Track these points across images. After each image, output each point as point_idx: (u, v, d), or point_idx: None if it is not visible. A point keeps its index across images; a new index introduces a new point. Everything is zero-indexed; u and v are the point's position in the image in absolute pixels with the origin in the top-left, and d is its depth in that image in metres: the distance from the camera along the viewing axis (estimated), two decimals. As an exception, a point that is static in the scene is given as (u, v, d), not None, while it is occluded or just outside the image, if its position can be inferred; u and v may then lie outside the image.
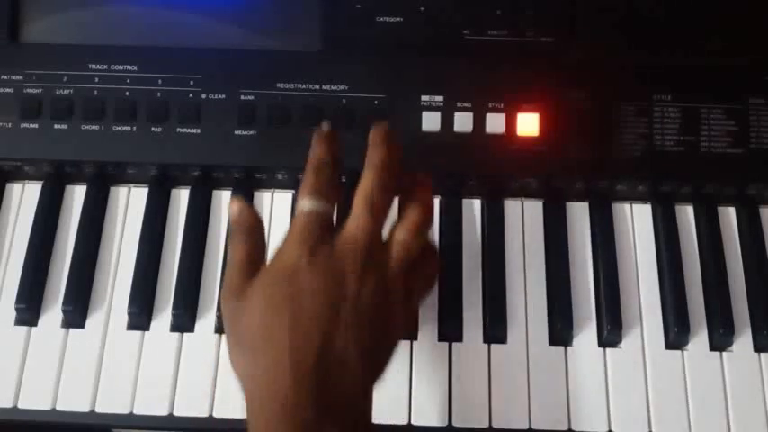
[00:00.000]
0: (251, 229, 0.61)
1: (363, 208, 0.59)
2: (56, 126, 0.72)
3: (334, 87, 0.73)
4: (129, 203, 0.74)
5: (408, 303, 0.61)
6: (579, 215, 0.74)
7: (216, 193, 0.74)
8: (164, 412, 0.67)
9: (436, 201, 0.74)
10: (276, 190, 0.75)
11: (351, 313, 0.56)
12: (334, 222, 0.61)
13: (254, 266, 0.59)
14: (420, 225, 0.61)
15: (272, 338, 0.55)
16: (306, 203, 0.59)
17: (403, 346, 0.69)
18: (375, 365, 0.59)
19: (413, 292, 0.61)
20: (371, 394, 0.58)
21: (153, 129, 0.72)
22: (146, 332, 0.69)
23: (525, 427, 0.67)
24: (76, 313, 0.69)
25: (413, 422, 0.66)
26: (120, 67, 0.74)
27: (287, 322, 0.55)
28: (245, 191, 0.74)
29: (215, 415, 0.66)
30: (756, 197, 0.74)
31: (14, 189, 0.74)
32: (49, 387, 0.67)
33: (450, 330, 0.69)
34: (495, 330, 0.69)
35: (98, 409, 0.67)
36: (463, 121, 0.72)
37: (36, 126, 0.72)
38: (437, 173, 0.73)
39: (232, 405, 0.66)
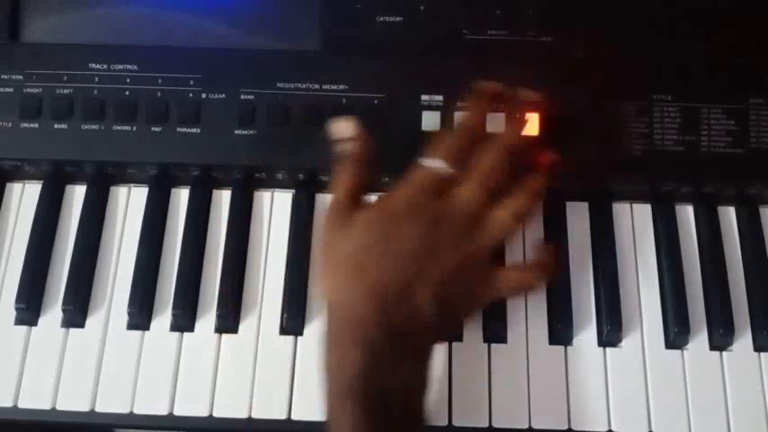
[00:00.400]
0: (364, 157, 0.65)
1: (480, 180, 0.63)
2: (56, 126, 0.72)
3: (334, 87, 0.73)
4: (129, 203, 0.74)
5: (486, 288, 0.64)
6: (579, 215, 0.74)
7: (216, 192, 0.74)
8: (164, 412, 0.67)
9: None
10: (276, 190, 0.75)
11: (437, 274, 0.60)
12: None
13: (359, 195, 0.64)
14: (525, 212, 0.65)
15: (365, 270, 0.60)
16: (434, 161, 0.63)
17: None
18: (440, 331, 0.63)
19: (495, 278, 0.64)
20: (430, 362, 0.61)
21: (153, 128, 0.72)
22: (146, 332, 0.69)
23: (525, 426, 0.67)
24: (76, 313, 0.69)
25: (413, 422, 0.66)
26: (120, 67, 0.73)
27: (382, 260, 0.60)
28: (245, 191, 0.74)
29: (215, 414, 0.66)
30: (756, 197, 0.74)
31: (14, 189, 0.74)
32: (50, 387, 0.67)
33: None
34: (495, 330, 0.69)
35: (98, 409, 0.67)
36: (463, 121, 0.72)
37: (36, 126, 0.72)
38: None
39: (232, 405, 0.66)
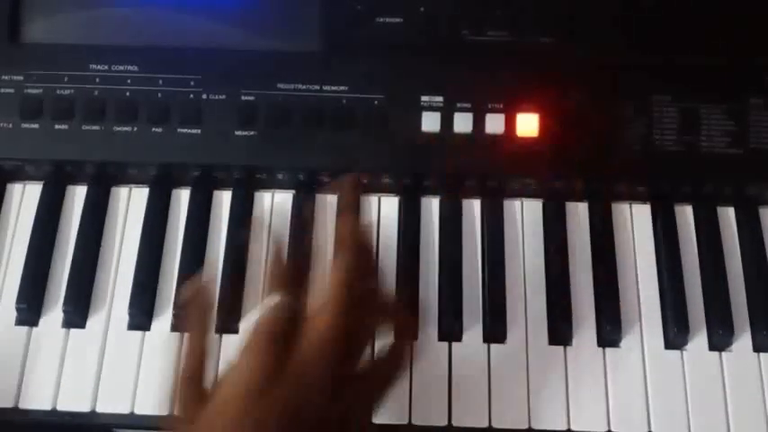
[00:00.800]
0: (204, 318, 0.55)
1: (335, 290, 0.53)
2: (56, 126, 0.72)
3: (334, 87, 0.73)
4: (130, 203, 0.74)
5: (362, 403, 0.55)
6: (579, 215, 0.74)
7: (216, 193, 0.74)
8: (164, 412, 0.67)
9: (436, 201, 0.74)
10: (276, 190, 0.75)
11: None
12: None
13: (201, 377, 0.53)
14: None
15: None
16: (270, 298, 0.54)
17: (403, 345, 0.69)
18: None
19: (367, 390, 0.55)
20: None
21: (153, 129, 0.72)
22: (146, 332, 0.69)
23: (525, 427, 0.67)
24: (77, 313, 0.69)
25: (413, 422, 0.67)
26: (121, 68, 0.74)
27: None
28: (246, 191, 0.74)
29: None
30: (756, 197, 0.74)
31: (15, 189, 0.74)
32: (50, 387, 0.67)
33: (450, 330, 0.69)
34: (495, 330, 0.69)
35: (99, 409, 0.67)
36: (463, 122, 0.72)
37: (36, 126, 0.72)
38: (437, 173, 0.73)
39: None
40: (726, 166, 0.72)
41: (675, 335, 0.69)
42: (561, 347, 0.69)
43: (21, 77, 0.73)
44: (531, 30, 0.74)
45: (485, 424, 0.67)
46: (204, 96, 0.73)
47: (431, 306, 0.70)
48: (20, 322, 0.70)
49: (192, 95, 0.73)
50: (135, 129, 0.72)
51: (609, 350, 0.69)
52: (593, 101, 0.73)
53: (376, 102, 0.73)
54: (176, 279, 0.71)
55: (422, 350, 0.69)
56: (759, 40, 0.75)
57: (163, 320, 0.70)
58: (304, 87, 0.73)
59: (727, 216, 0.74)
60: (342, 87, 0.73)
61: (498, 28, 0.74)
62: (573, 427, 0.67)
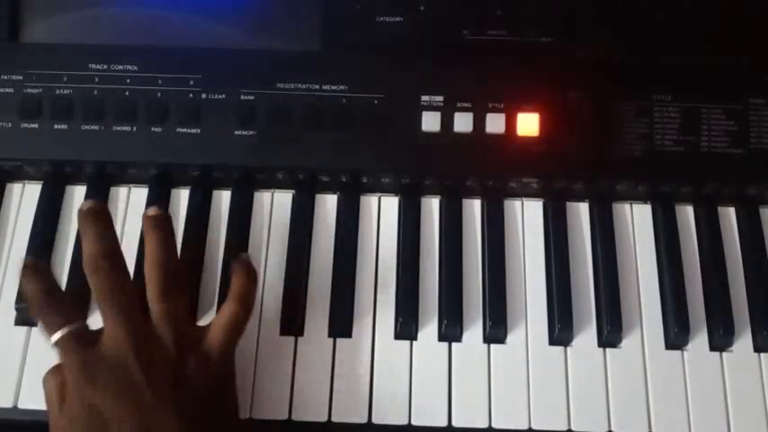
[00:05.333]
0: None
1: (104, 305, 0.60)
2: (56, 126, 0.72)
3: (334, 87, 0.73)
4: (130, 203, 0.74)
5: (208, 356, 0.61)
6: (579, 215, 0.74)
7: (216, 193, 0.74)
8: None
9: (436, 201, 0.74)
10: (276, 190, 0.75)
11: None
12: None
13: None
14: (227, 328, 0.62)
15: None
16: (53, 336, 0.59)
17: (403, 346, 0.69)
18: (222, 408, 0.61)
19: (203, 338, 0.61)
20: None
21: (153, 129, 0.72)
22: (146, 332, 0.69)
23: (525, 427, 0.67)
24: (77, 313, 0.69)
25: (413, 422, 0.67)
26: (120, 67, 0.73)
27: None
28: (245, 190, 0.74)
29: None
30: (756, 197, 0.74)
31: (14, 189, 0.74)
32: (50, 387, 0.67)
33: (451, 330, 0.69)
34: (495, 330, 0.69)
35: (98, 409, 0.67)
36: (463, 121, 0.72)
37: (36, 126, 0.72)
38: (437, 173, 0.73)
39: (232, 405, 0.66)
40: (726, 166, 0.72)
41: (676, 335, 0.69)
42: (561, 347, 0.69)
43: (20, 77, 0.73)
44: (531, 30, 0.74)
45: (485, 424, 0.67)
46: (204, 96, 0.73)
47: (431, 306, 0.70)
48: (19, 322, 0.69)
49: (191, 95, 0.73)
50: (134, 128, 0.72)
51: (609, 350, 0.69)
52: (593, 101, 0.73)
53: (376, 102, 0.73)
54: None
55: (422, 350, 0.69)
56: (759, 40, 0.75)
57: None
58: (304, 87, 0.73)
59: (728, 216, 0.74)
60: (342, 87, 0.73)
61: (498, 28, 0.74)
62: (573, 428, 0.66)
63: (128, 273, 0.62)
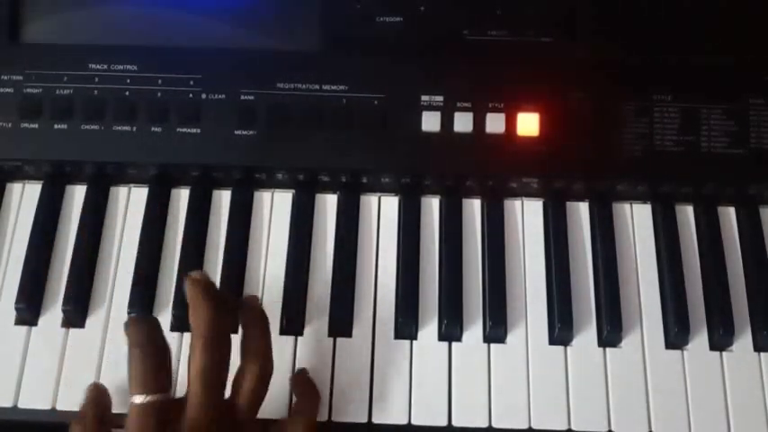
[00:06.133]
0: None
1: (199, 384, 0.57)
2: (56, 126, 0.72)
3: (334, 87, 0.73)
4: (129, 203, 0.74)
5: None
6: (579, 215, 0.74)
7: (216, 193, 0.74)
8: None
9: (436, 201, 0.74)
10: (276, 190, 0.75)
11: None
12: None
13: None
14: (257, 391, 0.60)
15: None
16: (135, 398, 0.57)
17: (403, 346, 0.69)
18: None
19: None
20: None
21: (153, 129, 0.72)
22: (146, 332, 0.69)
23: (525, 426, 0.67)
24: (76, 313, 0.69)
25: (413, 422, 0.67)
26: (120, 67, 0.73)
27: None
28: (246, 190, 0.74)
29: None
30: (756, 197, 0.74)
31: (14, 189, 0.74)
32: (50, 387, 0.67)
33: (451, 330, 0.69)
34: (495, 330, 0.69)
35: (98, 409, 0.67)
36: (463, 121, 0.72)
37: (36, 126, 0.72)
38: (437, 173, 0.73)
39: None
40: (726, 166, 0.72)
41: (676, 334, 0.69)
42: (561, 347, 0.69)
43: (20, 77, 0.73)
44: (531, 30, 0.74)
45: (485, 424, 0.67)
46: (204, 96, 0.73)
47: (431, 306, 0.70)
48: (19, 322, 0.69)
49: (191, 95, 0.73)
50: (134, 128, 0.72)
51: (609, 350, 0.69)
52: (593, 100, 0.73)
53: (376, 102, 0.73)
54: (176, 279, 0.70)
55: (422, 350, 0.69)
56: (759, 40, 0.75)
57: (163, 320, 0.69)
58: (304, 87, 0.73)
59: (728, 216, 0.74)
60: (342, 87, 0.73)
61: (498, 28, 0.74)
62: (573, 427, 0.66)
63: (228, 359, 0.60)
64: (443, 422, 0.67)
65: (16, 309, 0.69)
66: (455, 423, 0.67)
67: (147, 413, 0.57)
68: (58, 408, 0.67)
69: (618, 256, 0.72)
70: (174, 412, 0.57)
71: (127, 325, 0.60)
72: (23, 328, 0.69)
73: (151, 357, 0.58)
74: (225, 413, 0.59)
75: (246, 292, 0.70)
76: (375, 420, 0.66)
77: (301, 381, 0.66)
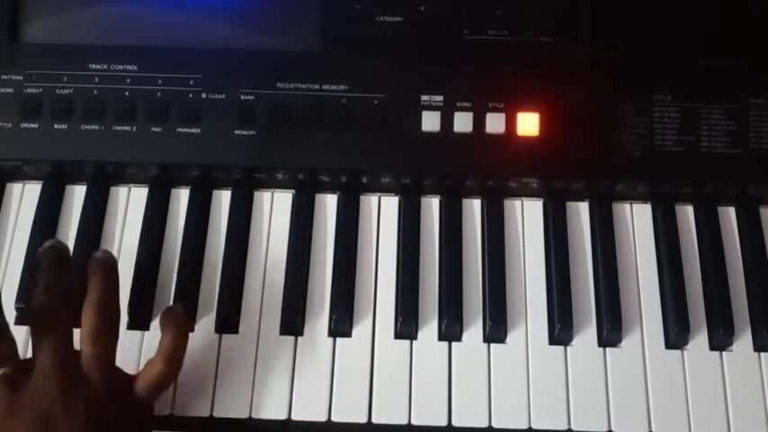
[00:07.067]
0: None
1: (39, 344, 0.61)
2: (56, 126, 0.72)
3: (334, 87, 0.73)
4: (129, 203, 0.74)
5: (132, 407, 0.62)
6: (579, 215, 0.74)
7: (216, 193, 0.74)
8: (165, 412, 0.66)
9: (436, 201, 0.74)
10: (276, 190, 0.75)
11: None
12: None
13: None
14: (96, 325, 0.62)
15: None
16: None
17: (403, 345, 0.69)
18: None
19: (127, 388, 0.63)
20: None
21: (153, 129, 0.72)
22: (146, 332, 0.69)
23: (525, 427, 0.67)
24: (76, 313, 0.69)
25: (413, 422, 0.66)
26: (120, 67, 0.74)
27: None
28: (246, 190, 0.74)
29: (215, 415, 0.66)
30: (756, 197, 0.74)
31: (14, 189, 0.74)
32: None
33: (451, 330, 0.69)
34: (495, 330, 0.69)
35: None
36: (463, 121, 0.72)
37: (36, 126, 0.72)
38: (437, 173, 0.73)
39: (232, 405, 0.66)
40: (726, 166, 0.72)
41: (676, 335, 0.69)
42: (561, 347, 0.69)
43: (20, 77, 0.73)
44: (531, 30, 0.74)
45: (485, 424, 0.67)
46: (204, 96, 0.73)
47: (431, 306, 0.70)
48: (19, 322, 0.69)
49: (191, 95, 0.73)
50: (134, 128, 0.72)
51: (609, 350, 0.69)
52: (593, 100, 0.73)
53: (376, 101, 0.73)
54: (175, 279, 0.70)
55: (421, 350, 0.69)
56: (759, 40, 0.75)
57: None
58: (304, 87, 0.73)
59: (728, 216, 0.74)
60: (342, 87, 0.73)
61: (498, 28, 0.74)
62: (573, 427, 0.66)
63: (70, 313, 0.63)
64: (443, 422, 0.67)
65: (16, 309, 0.69)
66: (455, 423, 0.67)
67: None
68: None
69: (618, 256, 0.72)
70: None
71: None
72: (24, 328, 0.69)
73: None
74: (70, 362, 0.61)
75: (246, 292, 0.70)
76: (375, 420, 0.66)
77: (168, 316, 0.65)
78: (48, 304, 0.62)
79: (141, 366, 0.67)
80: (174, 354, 0.63)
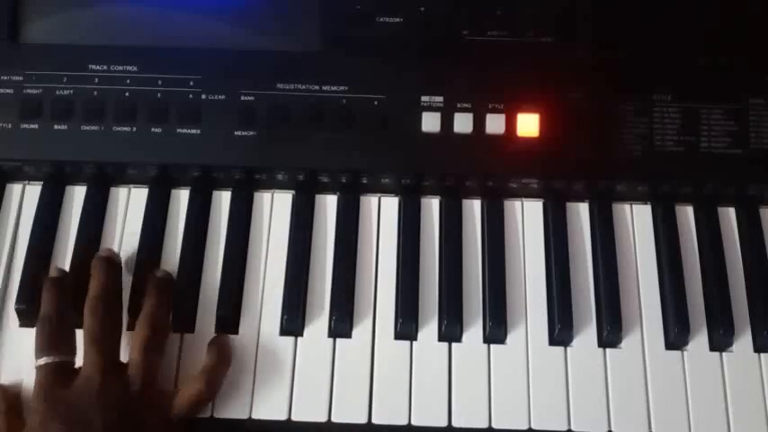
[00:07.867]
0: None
1: (90, 347, 0.64)
2: (56, 126, 0.72)
3: (334, 87, 0.73)
4: (130, 204, 0.74)
5: (162, 415, 0.64)
6: (579, 215, 0.74)
7: (216, 193, 0.74)
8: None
9: (436, 201, 0.74)
10: (276, 190, 0.75)
11: None
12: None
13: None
14: (149, 339, 0.65)
15: None
16: (38, 360, 0.64)
17: (403, 346, 0.69)
18: None
19: (166, 403, 0.64)
20: None
21: (153, 129, 0.72)
22: (146, 333, 0.69)
23: (525, 427, 0.67)
24: (77, 314, 0.69)
25: (413, 422, 0.67)
26: (120, 68, 0.74)
27: None
28: (245, 191, 0.74)
29: (216, 415, 0.66)
30: (756, 197, 0.74)
31: (14, 189, 0.74)
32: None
33: (451, 330, 0.69)
34: (495, 330, 0.69)
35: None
36: (463, 122, 0.72)
37: (36, 126, 0.72)
38: (437, 173, 0.73)
39: (232, 405, 0.66)
40: (726, 166, 0.72)
41: (676, 335, 0.69)
42: (561, 348, 0.69)
43: (20, 78, 0.73)
44: (530, 30, 0.74)
45: (485, 424, 0.67)
46: (203, 96, 0.73)
47: (431, 306, 0.70)
48: (20, 324, 0.69)
49: (191, 95, 0.73)
50: (134, 129, 0.72)
51: (609, 350, 0.69)
52: (593, 101, 0.73)
53: (376, 102, 0.73)
54: (176, 280, 0.70)
55: (422, 350, 0.69)
56: (759, 40, 0.74)
57: (162, 321, 0.69)
58: (304, 87, 0.73)
59: (728, 216, 0.74)
60: (342, 87, 0.73)
61: (498, 28, 0.74)
62: (573, 428, 0.67)
63: (121, 322, 0.66)
64: (443, 423, 0.67)
65: (16, 310, 0.69)
66: (455, 423, 0.67)
67: (45, 373, 0.63)
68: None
69: (618, 256, 0.72)
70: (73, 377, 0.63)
71: (45, 286, 0.67)
72: (24, 330, 0.69)
73: (53, 322, 0.65)
74: (112, 371, 0.63)
75: (246, 293, 0.70)
76: (375, 421, 0.66)
77: (217, 341, 0.67)
78: (101, 308, 0.65)
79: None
80: (215, 375, 0.65)
